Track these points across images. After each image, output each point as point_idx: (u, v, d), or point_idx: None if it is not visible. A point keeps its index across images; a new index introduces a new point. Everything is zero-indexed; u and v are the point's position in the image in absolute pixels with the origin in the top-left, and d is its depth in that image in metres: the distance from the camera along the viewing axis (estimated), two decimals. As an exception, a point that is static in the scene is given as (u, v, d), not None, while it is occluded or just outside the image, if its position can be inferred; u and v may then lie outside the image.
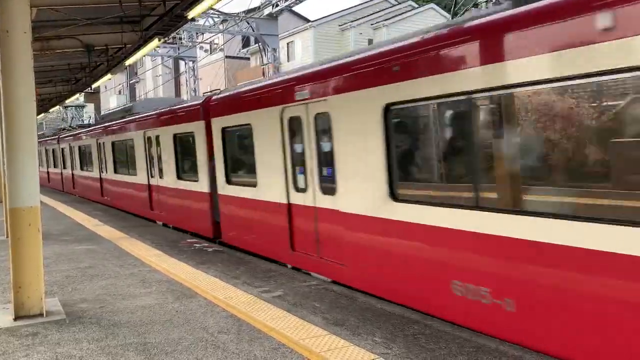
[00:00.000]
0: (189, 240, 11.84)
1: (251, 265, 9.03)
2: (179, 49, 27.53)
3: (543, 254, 4.68)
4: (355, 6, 35.81)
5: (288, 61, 34.87)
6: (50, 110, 33.10)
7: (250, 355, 5.03)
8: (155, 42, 12.11)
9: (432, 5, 34.72)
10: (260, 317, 6.13)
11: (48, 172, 32.87)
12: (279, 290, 7.31)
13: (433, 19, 29.37)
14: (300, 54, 34.38)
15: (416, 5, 35.14)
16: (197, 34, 26.94)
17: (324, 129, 7.59)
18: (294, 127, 8.25)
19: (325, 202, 7.62)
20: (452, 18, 6.42)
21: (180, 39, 27.27)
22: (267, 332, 5.62)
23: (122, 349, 5.34)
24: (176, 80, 29.62)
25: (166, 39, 12.38)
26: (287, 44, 35.65)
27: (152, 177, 14.91)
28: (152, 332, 5.82)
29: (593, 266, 4.33)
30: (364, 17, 34.30)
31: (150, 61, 42.16)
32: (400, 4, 35.48)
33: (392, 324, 5.75)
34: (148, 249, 10.76)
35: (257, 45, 18.64)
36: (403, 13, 34.00)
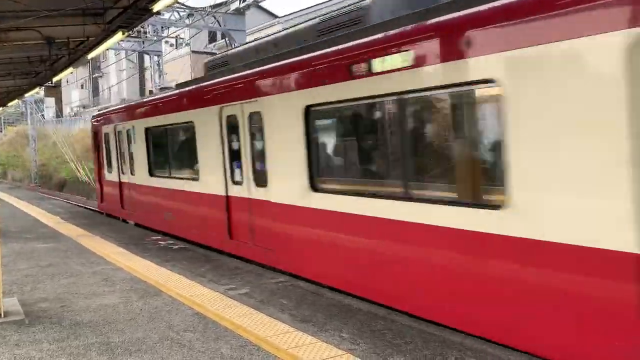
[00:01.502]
0: (153, 237, 11.66)
1: (217, 262, 8.95)
2: (143, 43, 27.00)
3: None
4: (323, 2, 35.77)
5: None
6: (9, 105, 32.12)
7: (217, 354, 4.98)
8: (118, 36, 11.84)
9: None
10: (227, 314, 6.08)
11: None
12: (246, 287, 7.26)
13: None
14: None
15: (383, 3, 35.36)
16: (162, 28, 26.47)
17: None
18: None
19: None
20: None
21: (145, 32, 26.76)
22: (234, 329, 5.58)
23: (84, 349, 5.22)
24: (141, 75, 29.14)
25: (130, 32, 12.11)
26: (255, 39, 35.45)
27: None
28: (116, 331, 5.70)
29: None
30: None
31: (114, 55, 41.36)
32: None
33: (358, 320, 5.78)
34: (112, 247, 10.56)
35: (223, 40, 18.43)
36: (370, 10, 34.24)
